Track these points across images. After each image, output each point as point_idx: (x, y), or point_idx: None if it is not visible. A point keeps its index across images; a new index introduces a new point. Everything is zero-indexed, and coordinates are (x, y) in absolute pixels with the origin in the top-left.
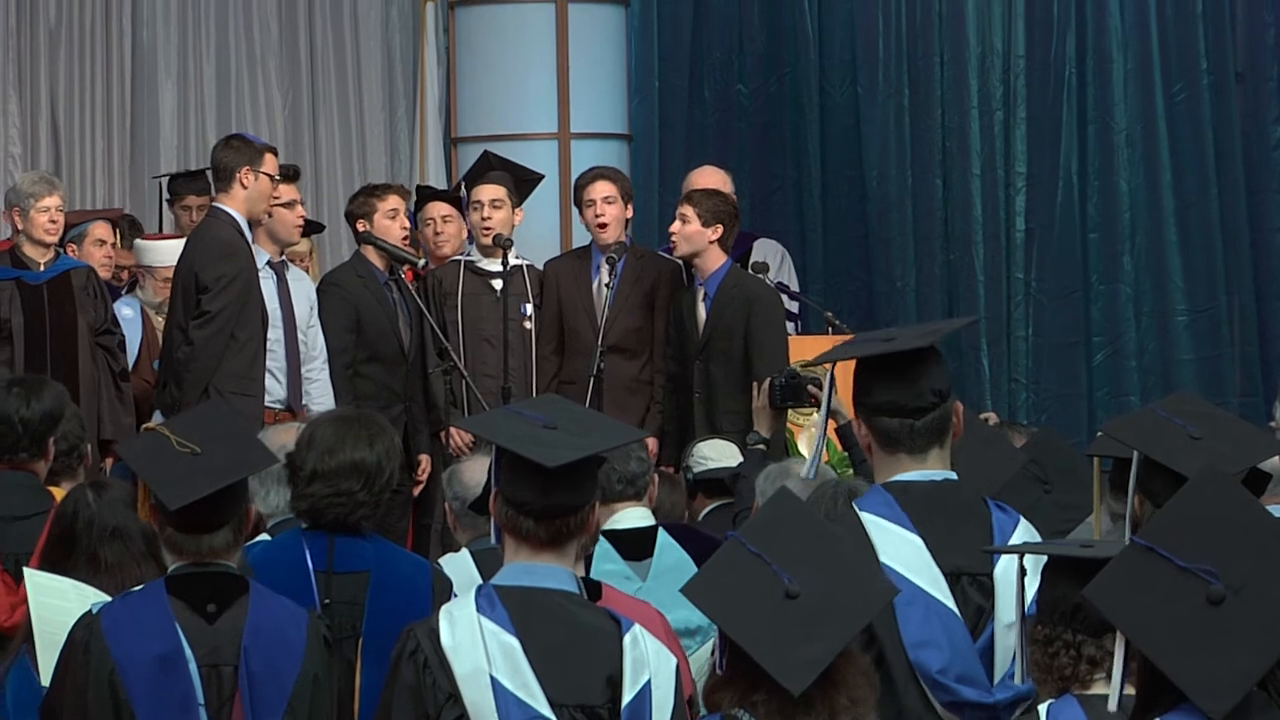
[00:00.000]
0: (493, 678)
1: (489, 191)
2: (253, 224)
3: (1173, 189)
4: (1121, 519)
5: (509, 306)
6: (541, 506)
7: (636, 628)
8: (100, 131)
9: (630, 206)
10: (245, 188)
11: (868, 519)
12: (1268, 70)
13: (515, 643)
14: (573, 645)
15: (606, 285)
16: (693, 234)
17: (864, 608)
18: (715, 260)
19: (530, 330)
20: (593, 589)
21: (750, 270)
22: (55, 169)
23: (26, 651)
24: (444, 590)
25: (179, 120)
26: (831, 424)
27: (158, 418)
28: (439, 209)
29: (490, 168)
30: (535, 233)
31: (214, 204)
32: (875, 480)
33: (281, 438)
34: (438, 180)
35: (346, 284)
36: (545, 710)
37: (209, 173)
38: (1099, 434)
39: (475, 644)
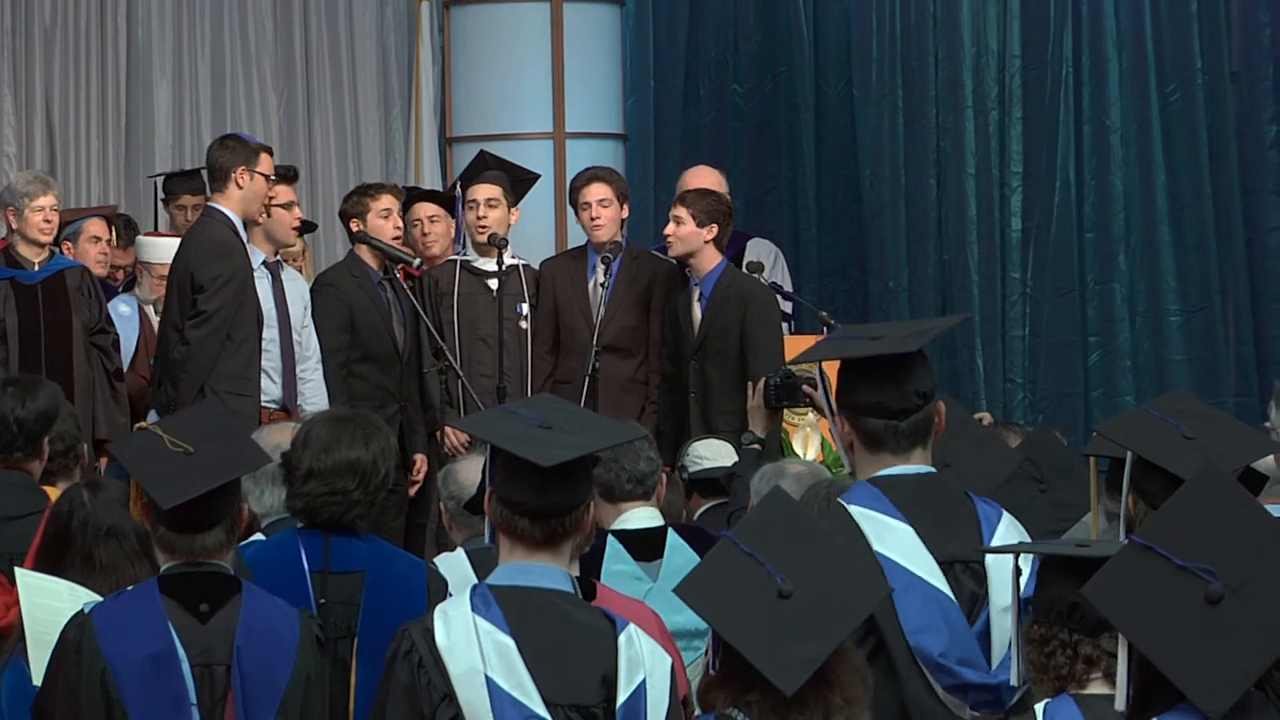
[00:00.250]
0: (488, 677)
1: (485, 191)
2: (248, 224)
3: (1167, 189)
4: (1117, 519)
5: (504, 306)
6: (536, 506)
7: (631, 627)
8: (95, 131)
9: (625, 207)
10: (240, 187)
11: (858, 512)
12: (1262, 70)
13: (510, 642)
14: (568, 645)
15: (602, 285)
16: (687, 234)
17: (857, 607)
18: (710, 260)
19: (526, 330)
20: (587, 588)
21: (745, 270)
22: (50, 168)
23: (21, 651)
24: (439, 590)
25: (174, 120)
26: (825, 423)
27: (153, 417)
28: (426, 209)
29: (486, 167)
30: (530, 232)
31: (209, 204)
32: (857, 477)
33: (277, 437)
34: (433, 180)
35: (341, 284)
36: (540, 710)
37: (204, 172)
38: (1095, 434)
39: (470, 644)
